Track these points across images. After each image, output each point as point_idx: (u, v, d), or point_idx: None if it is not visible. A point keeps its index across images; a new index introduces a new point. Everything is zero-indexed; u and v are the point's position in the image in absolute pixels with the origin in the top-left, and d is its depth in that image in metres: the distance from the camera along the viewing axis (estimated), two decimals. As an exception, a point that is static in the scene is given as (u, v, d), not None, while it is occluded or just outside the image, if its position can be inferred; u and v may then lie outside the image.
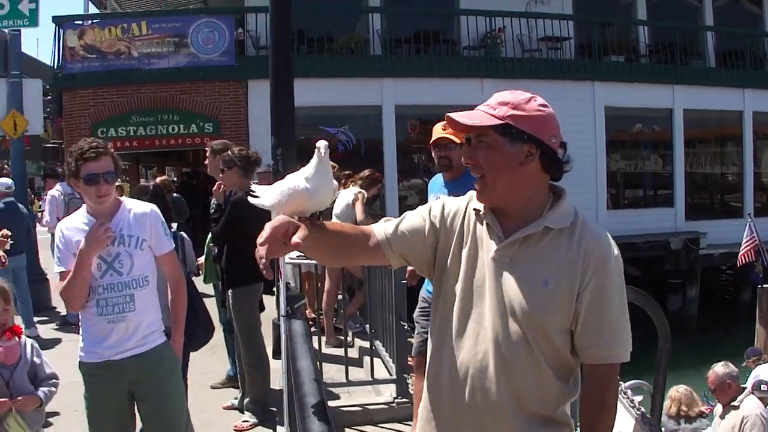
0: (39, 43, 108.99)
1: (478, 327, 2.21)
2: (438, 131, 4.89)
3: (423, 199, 18.53)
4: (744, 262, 12.63)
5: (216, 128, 17.02)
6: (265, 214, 5.96)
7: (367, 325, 7.77)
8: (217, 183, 6.29)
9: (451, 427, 2.26)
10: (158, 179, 15.27)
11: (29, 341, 4.09)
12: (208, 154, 6.43)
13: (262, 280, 6.11)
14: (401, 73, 17.58)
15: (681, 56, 20.22)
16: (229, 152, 5.88)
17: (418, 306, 5.16)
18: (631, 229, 18.27)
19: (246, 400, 5.97)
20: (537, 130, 2.17)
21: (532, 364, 2.16)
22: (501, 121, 2.16)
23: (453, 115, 2.23)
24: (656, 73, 19.83)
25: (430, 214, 2.35)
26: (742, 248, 12.46)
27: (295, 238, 2.09)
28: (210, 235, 6.29)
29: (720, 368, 7.23)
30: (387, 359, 6.38)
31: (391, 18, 18.68)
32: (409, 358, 5.54)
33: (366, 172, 9.07)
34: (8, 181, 9.96)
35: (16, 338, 3.88)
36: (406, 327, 5.81)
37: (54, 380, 4.02)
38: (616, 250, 2.19)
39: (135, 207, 3.89)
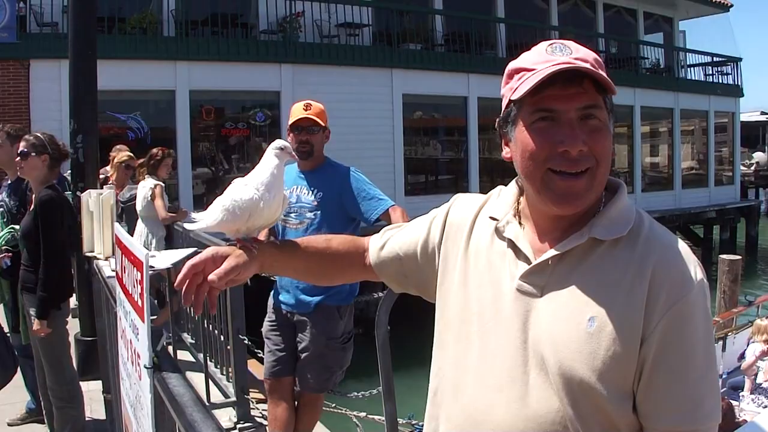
0: None
1: (480, 389, 1.52)
2: (299, 111, 4.18)
3: (210, 189, 17.92)
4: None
5: (-8, 113, 15.17)
6: (74, 219, 5.07)
7: (185, 334, 6.93)
8: None
9: None
10: None
11: None
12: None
13: (70, 296, 5.15)
14: (196, 57, 16.48)
15: (475, 46, 20.66)
16: (39, 136, 4.82)
17: (267, 319, 4.45)
18: (429, 215, 18.48)
19: (57, 442, 4.91)
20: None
21: None
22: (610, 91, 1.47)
23: (575, 64, 1.43)
24: (452, 62, 20.19)
25: (432, 221, 1.77)
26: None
27: (218, 271, 1.65)
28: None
29: None
30: (219, 378, 5.59)
31: (187, -3, 17.52)
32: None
33: (153, 152, 7.86)
34: None
35: None
36: (246, 341, 5.05)
37: None
38: (700, 273, 1.44)
39: None
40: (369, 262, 1.84)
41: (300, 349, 4.28)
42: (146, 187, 7.56)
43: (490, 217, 1.63)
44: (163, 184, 7.64)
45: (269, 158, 1.88)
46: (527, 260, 1.52)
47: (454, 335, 1.60)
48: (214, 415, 1.72)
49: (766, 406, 7.49)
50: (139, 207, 7.63)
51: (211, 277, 1.63)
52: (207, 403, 5.36)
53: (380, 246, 1.84)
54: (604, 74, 1.42)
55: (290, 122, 4.21)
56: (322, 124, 4.18)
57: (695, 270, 1.43)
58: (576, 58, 1.43)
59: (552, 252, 1.49)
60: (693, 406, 1.40)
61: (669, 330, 1.39)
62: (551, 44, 1.48)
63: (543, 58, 1.45)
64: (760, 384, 7.99)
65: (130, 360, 2.68)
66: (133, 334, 2.52)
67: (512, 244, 1.56)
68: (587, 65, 1.42)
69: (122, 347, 2.94)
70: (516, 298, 1.50)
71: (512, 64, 1.52)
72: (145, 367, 2.23)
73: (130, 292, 2.58)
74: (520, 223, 1.58)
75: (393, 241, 1.82)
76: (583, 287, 1.45)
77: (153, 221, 7.54)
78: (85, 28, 6.52)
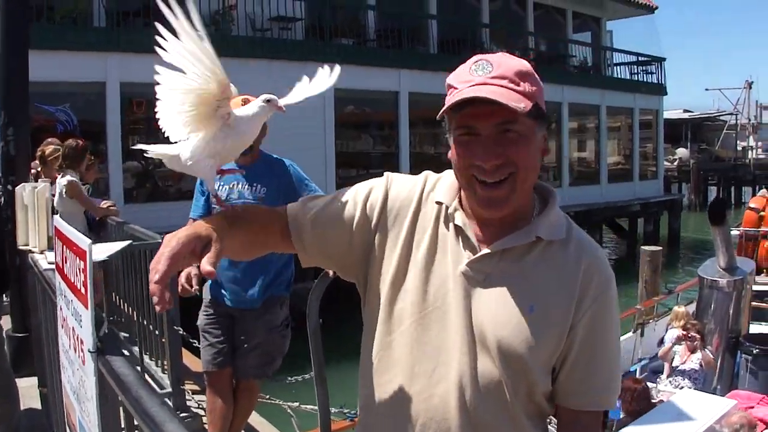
0: None
1: (434, 363, 1.67)
2: (239, 105, 4.10)
3: (141, 183, 17.85)
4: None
5: None
6: None
7: (115, 329, 6.95)
8: None
9: None
10: None
11: None
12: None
13: (6, 289, 5.16)
14: (127, 48, 16.27)
15: (407, 42, 20.91)
16: None
17: (203, 312, 4.48)
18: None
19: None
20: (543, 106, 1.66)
21: (507, 417, 1.66)
22: (531, 102, 1.58)
23: (478, 91, 1.55)
24: (384, 58, 20.36)
25: (367, 197, 1.77)
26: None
27: (210, 258, 1.52)
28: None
29: None
30: (154, 370, 5.65)
31: (118, -12, 17.15)
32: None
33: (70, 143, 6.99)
34: None
35: None
36: (181, 332, 5.12)
37: None
38: (612, 273, 1.72)
39: None
40: (288, 234, 1.78)
41: (241, 339, 4.35)
42: (60, 183, 6.76)
43: (437, 202, 1.74)
44: (77, 180, 6.83)
45: (253, 108, 1.83)
46: (472, 248, 1.68)
47: (406, 316, 1.71)
48: (159, 393, 1.85)
49: (682, 387, 7.82)
50: (60, 207, 7.23)
51: (207, 268, 1.49)
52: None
53: (306, 219, 1.77)
54: (519, 90, 1.56)
55: None
56: None
57: (610, 269, 1.71)
58: (493, 77, 1.57)
59: (500, 245, 1.66)
60: (605, 379, 1.71)
61: (593, 318, 1.67)
62: (476, 62, 1.62)
63: (465, 78, 1.60)
64: (677, 367, 8.35)
65: (72, 347, 2.78)
66: (76, 322, 2.63)
67: (461, 232, 1.70)
68: (503, 82, 1.56)
69: (63, 336, 3.03)
70: (460, 282, 1.67)
71: (448, 78, 1.65)
72: (89, 351, 2.33)
73: (73, 281, 2.68)
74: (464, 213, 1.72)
75: (321, 216, 1.77)
76: (526, 278, 1.66)
77: (68, 218, 7.22)
78: (17, 16, 6.44)
